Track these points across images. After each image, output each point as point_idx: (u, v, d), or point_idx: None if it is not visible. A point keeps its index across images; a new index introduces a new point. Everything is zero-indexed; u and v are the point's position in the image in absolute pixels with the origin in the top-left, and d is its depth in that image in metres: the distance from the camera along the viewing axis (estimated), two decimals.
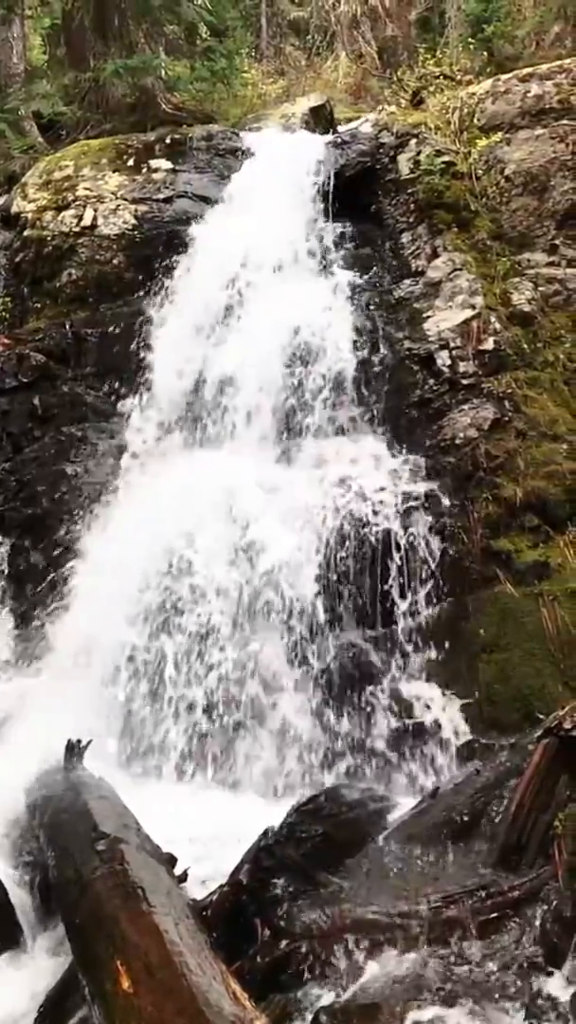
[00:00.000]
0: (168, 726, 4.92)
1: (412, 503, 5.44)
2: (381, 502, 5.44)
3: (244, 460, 5.87)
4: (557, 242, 6.66)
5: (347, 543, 5.26)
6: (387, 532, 5.32)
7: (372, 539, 5.29)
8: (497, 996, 3.03)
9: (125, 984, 2.69)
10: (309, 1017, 2.96)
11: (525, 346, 6.11)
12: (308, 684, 4.95)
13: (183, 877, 3.44)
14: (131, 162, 7.76)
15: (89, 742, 4.34)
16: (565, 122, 6.85)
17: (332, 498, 5.48)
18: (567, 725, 3.62)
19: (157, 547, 5.39)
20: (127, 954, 2.78)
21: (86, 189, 7.54)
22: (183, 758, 4.81)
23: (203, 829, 4.05)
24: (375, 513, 5.37)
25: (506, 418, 5.79)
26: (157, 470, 6.09)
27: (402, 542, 5.29)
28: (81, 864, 3.28)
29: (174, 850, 3.54)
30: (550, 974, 3.08)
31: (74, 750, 4.27)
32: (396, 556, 5.26)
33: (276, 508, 5.43)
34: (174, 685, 4.97)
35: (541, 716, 4.17)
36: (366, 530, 5.31)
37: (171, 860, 3.48)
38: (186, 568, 5.27)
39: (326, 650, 5.03)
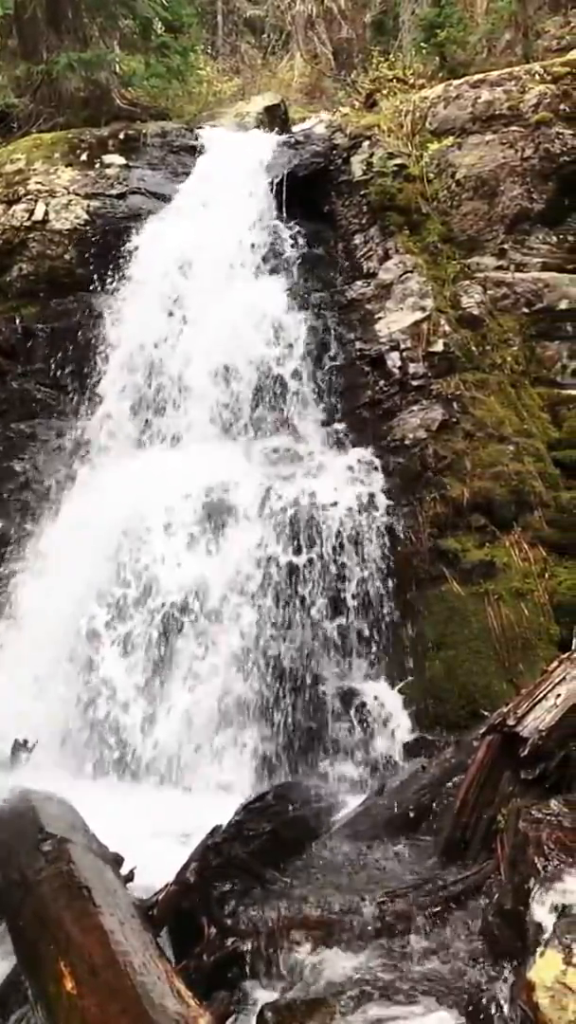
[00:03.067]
0: (119, 724, 4.91)
1: (361, 502, 5.49)
2: (331, 501, 5.48)
3: (195, 457, 5.88)
4: (506, 246, 6.76)
5: (296, 541, 5.29)
6: (336, 530, 5.36)
7: (321, 537, 5.32)
8: (441, 989, 3.06)
9: (69, 985, 2.67)
10: (255, 1014, 2.96)
11: (474, 348, 6.20)
12: (257, 681, 4.97)
13: (129, 876, 3.43)
14: (84, 157, 7.68)
15: (36, 742, 4.31)
16: (515, 128, 6.96)
17: (283, 496, 5.51)
18: (511, 722, 3.66)
19: (108, 545, 5.36)
20: (71, 955, 2.76)
21: (38, 183, 7.44)
22: (131, 755, 4.80)
23: (150, 826, 4.04)
24: (325, 511, 5.41)
25: (454, 419, 5.88)
26: (108, 467, 6.06)
27: (351, 541, 5.34)
28: (26, 865, 3.25)
29: (121, 849, 3.53)
30: (492, 966, 3.13)
31: (21, 748, 4.24)
32: (345, 554, 5.30)
33: (227, 506, 5.44)
34: (122, 683, 4.96)
35: (486, 713, 4.24)
36: (316, 528, 5.34)
37: (117, 860, 3.46)
38: (137, 566, 5.26)
39: (275, 647, 5.05)
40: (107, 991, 2.63)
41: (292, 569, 5.25)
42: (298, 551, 5.31)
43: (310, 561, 5.28)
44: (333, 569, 5.28)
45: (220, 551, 5.34)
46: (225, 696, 4.94)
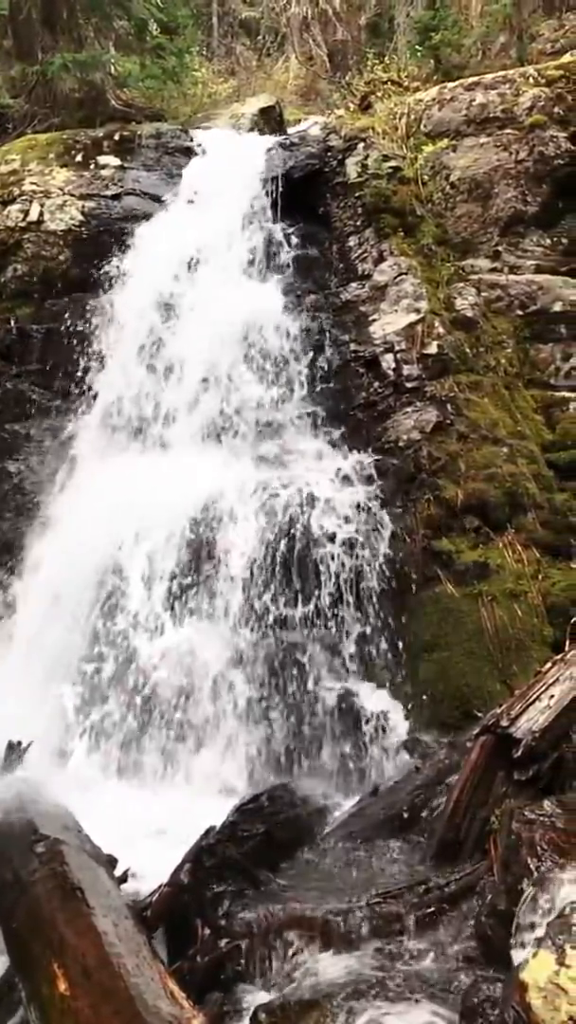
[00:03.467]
0: (110, 725, 4.90)
1: (356, 503, 5.49)
2: (325, 502, 5.48)
3: (189, 459, 5.88)
4: (500, 249, 6.78)
5: (290, 543, 5.29)
6: (330, 532, 5.36)
7: (316, 538, 5.32)
8: (433, 990, 3.06)
9: (62, 987, 2.67)
10: (248, 1015, 2.97)
11: (468, 350, 6.21)
12: (250, 682, 4.96)
13: (123, 878, 3.43)
14: (79, 158, 7.69)
15: (30, 743, 4.30)
16: (509, 131, 6.98)
17: (277, 498, 5.51)
18: (504, 723, 3.67)
19: (102, 546, 5.35)
20: (65, 956, 2.77)
21: (33, 184, 7.44)
22: (123, 756, 4.79)
23: (143, 827, 4.04)
24: (319, 513, 5.41)
25: (448, 421, 5.88)
26: (102, 469, 6.05)
27: (346, 542, 5.34)
28: (20, 866, 3.25)
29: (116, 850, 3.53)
30: (485, 967, 3.14)
31: (14, 751, 4.23)
32: (339, 555, 5.29)
33: (221, 508, 5.43)
34: (117, 683, 4.94)
35: (479, 714, 4.24)
36: (310, 530, 5.34)
37: (111, 861, 3.47)
38: (130, 567, 5.24)
39: (268, 648, 5.04)
40: (100, 993, 2.63)
41: (286, 567, 5.21)
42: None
43: (306, 558, 5.23)
44: (326, 568, 5.27)
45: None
46: (218, 695, 4.86)
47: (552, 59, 8.08)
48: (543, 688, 3.76)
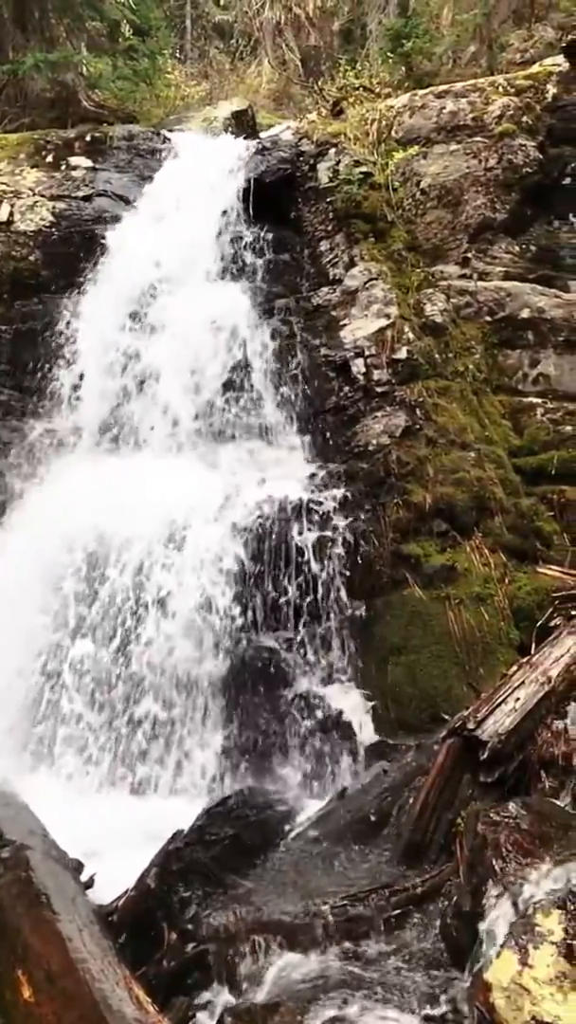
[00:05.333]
0: (79, 726, 4.88)
1: (326, 507, 5.51)
2: (296, 506, 5.49)
3: (159, 463, 5.87)
4: (469, 255, 6.84)
5: (261, 546, 5.29)
6: (301, 535, 5.37)
7: (286, 542, 5.33)
8: (399, 991, 3.08)
9: (26, 993, 2.65)
10: (214, 1019, 2.96)
11: (437, 356, 6.26)
12: (220, 686, 4.96)
13: (89, 883, 3.41)
14: (50, 158, 7.65)
15: None
16: (478, 139, 7.05)
17: (247, 501, 5.51)
18: (470, 725, 3.71)
19: (68, 549, 5.32)
20: (29, 963, 2.74)
21: (3, 184, 7.38)
22: (95, 760, 4.76)
23: (113, 831, 4.02)
24: (289, 516, 5.42)
25: (417, 426, 5.93)
26: (71, 471, 6.02)
27: (315, 546, 5.35)
28: None
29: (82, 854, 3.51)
30: (450, 967, 3.16)
31: None
32: (309, 559, 5.31)
33: (191, 511, 5.42)
34: (83, 686, 4.92)
35: (446, 717, 4.28)
36: (280, 533, 5.35)
37: (78, 866, 3.44)
38: (97, 570, 5.22)
39: (239, 652, 5.04)
40: (65, 998, 2.61)
41: (256, 571, 5.21)
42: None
43: (276, 562, 5.22)
44: (296, 572, 5.28)
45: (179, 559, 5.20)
46: (189, 698, 4.87)
47: (521, 69, 8.15)
48: (509, 691, 3.80)
